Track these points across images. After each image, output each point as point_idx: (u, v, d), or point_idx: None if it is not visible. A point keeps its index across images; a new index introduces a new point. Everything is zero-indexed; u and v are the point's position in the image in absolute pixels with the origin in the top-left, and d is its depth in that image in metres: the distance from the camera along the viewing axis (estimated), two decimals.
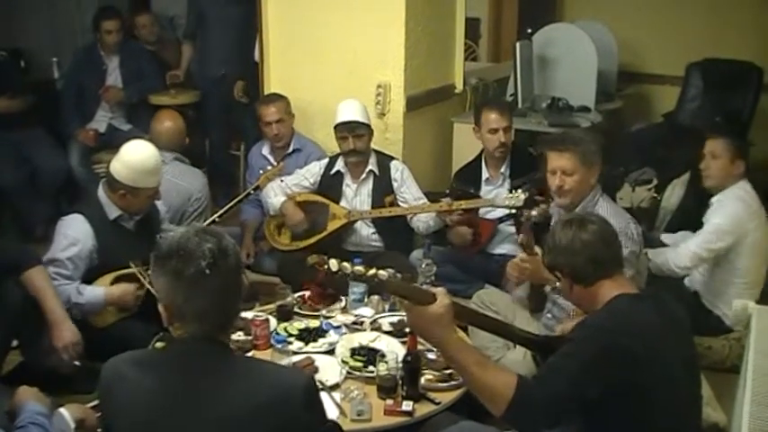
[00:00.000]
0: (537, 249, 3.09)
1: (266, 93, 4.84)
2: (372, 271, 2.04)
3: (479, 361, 2.10)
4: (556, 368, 2.10)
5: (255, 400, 1.81)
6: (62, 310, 3.14)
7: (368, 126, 4.14)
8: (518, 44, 5.31)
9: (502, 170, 4.23)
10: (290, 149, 4.63)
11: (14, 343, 3.34)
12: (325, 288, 3.40)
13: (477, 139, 4.27)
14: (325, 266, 2.17)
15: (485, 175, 4.27)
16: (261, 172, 4.02)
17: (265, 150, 4.71)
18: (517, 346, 2.99)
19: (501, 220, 4.21)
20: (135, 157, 3.46)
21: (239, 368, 1.88)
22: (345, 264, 2.09)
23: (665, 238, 4.21)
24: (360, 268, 2.04)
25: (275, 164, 4.60)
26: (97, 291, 3.40)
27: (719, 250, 3.73)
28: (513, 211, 3.83)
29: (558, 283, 3.02)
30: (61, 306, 3.15)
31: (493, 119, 4.14)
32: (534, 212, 3.12)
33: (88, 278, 3.44)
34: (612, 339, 2.08)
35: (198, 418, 1.81)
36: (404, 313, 3.28)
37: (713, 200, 3.86)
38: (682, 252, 3.79)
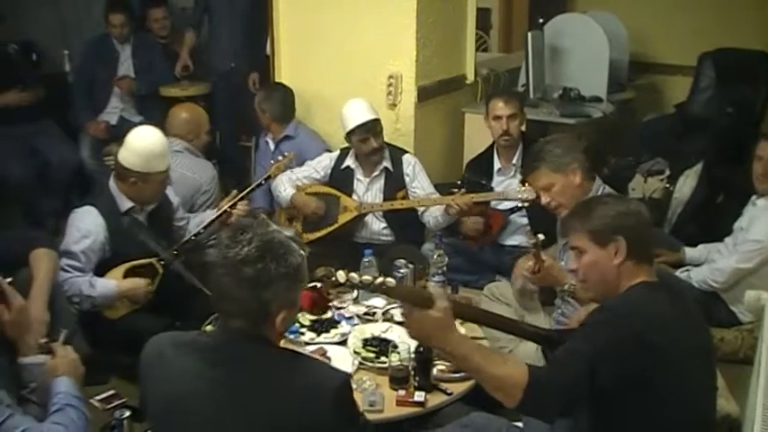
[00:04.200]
0: (545, 257, 3.09)
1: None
2: (380, 279, 2.04)
3: (487, 354, 2.10)
4: (571, 353, 2.08)
5: (285, 396, 1.82)
6: (43, 291, 2.97)
7: (380, 121, 4.12)
8: (529, 34, 5.30)
9: (514, 161, 4.22)
10: (282, 135, 4.68)
11: None
12: (323, 298, 3.35)
13: (488, 129, 4.26)
14: (333, 278, 2.17)
15: (497, 165, 4.27)
16: (272, 162, 4.03)
17: (268, 138, 4.79)
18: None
19: (512, 210, 4.21)
20: (142, 142, 3.46)
21: (274, 364, 1.89)
22: (353, 274, 2.09)
23: (689, 253, 4.12)
24: (367, 277, 2.04)
25: (272, 149, 4.66)
26: (109, 284, 3.41)
27: (760, 264, 3.66)
28: (526, 204, 3.81)
29: (567, 286, 3.03)
30: (46, 288, 2.99)
31: (496, 106, 4.15)
32: (542, 236, 3.10)
33: (100, 270, 3.45)
34: (628, 328, 2.06)
35: (227, 408, 1.83)
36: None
37: (758, 202, 3.77)
38: (722, 268, 3.72)
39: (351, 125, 4.07)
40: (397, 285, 2.09)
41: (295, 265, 1.88)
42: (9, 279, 2.65)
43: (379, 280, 1.99)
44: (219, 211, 3.72)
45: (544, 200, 3.23)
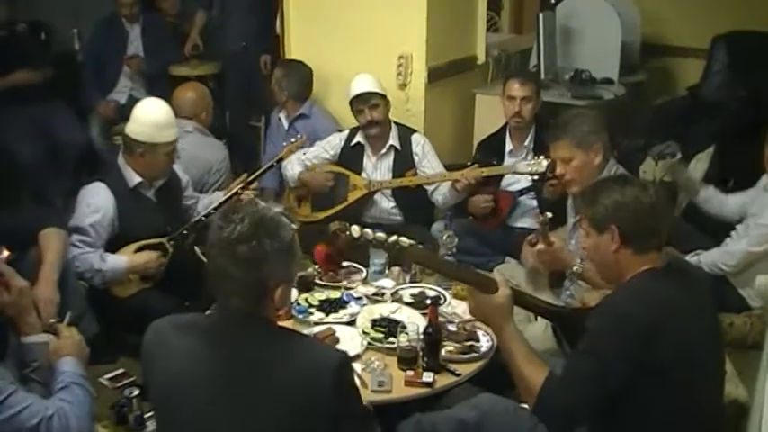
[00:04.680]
0: (553, 239, 3.08)
1: None
2: (394, 238, 2.04)
3: (526, 354, 2.20)
4: (576, 371, 2.12)
5: (284, 377, 1.83)
6: (53, 271, 2.98)
7: (382, 96, 4.12)
8: (541, 15, 5.27)
9: (526, 143, 4.20)
10: (297, 113, 4.69)
11: None
12: (337, 254, 3.38)
13: (502, 107, 4.24)
14: (347, 233, 2.18)
15: (508, 146, 4.25)
16: (284, 144, 4.03)
17: (281, 114, 4.79)
18: (538, 319, 2.98)
19: (521, 192, 4.19)
20: (148, 113, 3.48)
21: (273, 344, 1.90)
22: (367, 230, 2.09)
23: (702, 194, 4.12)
24: (381, 235, 2.04)
25: (286, 127, 4.66)
26: (120, 259, 3.42)
27: None
28: (536, 177, 3.80)
29: (575, 268, 3.02)
30: (56, 268, 3.00)
31: (512, 87, 4.13)
32: (549, 214, 3.11)
33: (110, 249, 3.45)
34: (633, 324, 2.06)
35: (227, 389, 1.85)
36: (424, 284, 3.30)
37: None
38: (732, 251, 3.69)
39: (350, 96, 4.12)
40: (410, 246, 2.10)
41: (288, 239, 1.92)
42: (6, 253, 2.65)
43: (393, 238, 2.00)
44: (230, 193, 3.72)
45: (559, 170, 3.23)
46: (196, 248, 3.44)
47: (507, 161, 4.20)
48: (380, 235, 2.03)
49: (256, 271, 1.86)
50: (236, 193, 3.70)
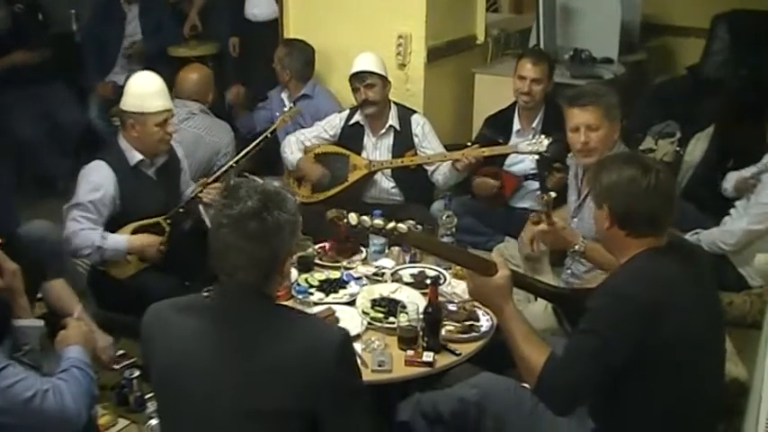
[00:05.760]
0: (555, 219, 3.07)
1: None
2: (392, 224, 2.03)
3: (527, 334, 2.20)
4: (577, 350, 2.11)
5: (287, 353, 1.83)
6: (89, 320, 3.05)
7: (380, 76, 4.10)
8: None
9: (534, 124, 4.18)
10: (300, 93, 4.66)
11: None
12: (347, 240, 3.40)
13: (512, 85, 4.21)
14: (345, 220, 2.17)
15: (516, 126, 4.23)
16: (277, 114, 4.01)
17: (284, 94, 4.77)
18: (538, 299, 2.98)
19: (526, 177, 4.18)
20: (137, 84, 3.48)
21: (277, 320, 1.90)
22: (365, 217, 2.08)
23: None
24: (379, 221, 2.03)
25: (288, 108, 4.64)
26: (120, 239, 3.42)
27: None
28: (537, 157, 3.80)
29: (577, 246, 3.01)
30: (86, 314, 3.07)
31: (524, 67, 4.11)
32: (553, 194, 3.09)
33: (111, 227, 3.44)
34: (632, 306, 2.06)
35: (230, 367, 1.85)
36: (424, 264, 3.30)
37: None
38: (732, 230, 3.71)
39: (349, 73, 4.11)
40: (408, 231, 2.10)
41: (294, 209, 1.93)
42: None
43: (391, 225, 1.99)
44: (226, 167, 3.71)
45: (583, 138, 3.10)
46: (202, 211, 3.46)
47: (513, 141, 4.17)
48: (378, 222, 2.03)
49: (268, 244, 1.86)
50: (231, 166, 3.69)
